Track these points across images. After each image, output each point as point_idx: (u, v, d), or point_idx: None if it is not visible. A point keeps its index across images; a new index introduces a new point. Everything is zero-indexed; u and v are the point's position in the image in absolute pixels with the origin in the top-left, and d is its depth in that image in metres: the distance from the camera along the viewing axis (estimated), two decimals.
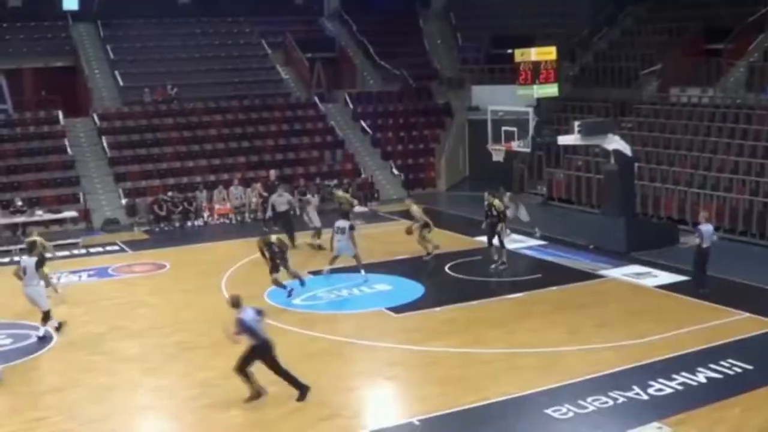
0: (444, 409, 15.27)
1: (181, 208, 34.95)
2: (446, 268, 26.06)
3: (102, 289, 25.23)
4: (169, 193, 35.38)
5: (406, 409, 15.77)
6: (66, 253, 30.12)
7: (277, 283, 22.96)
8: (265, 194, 33.77)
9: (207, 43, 46.35)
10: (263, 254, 23.10)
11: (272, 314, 21.39)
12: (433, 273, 25.70)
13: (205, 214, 35.44)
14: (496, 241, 25.81)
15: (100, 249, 30.83)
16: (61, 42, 44.38)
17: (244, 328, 15.40)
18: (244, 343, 15.68)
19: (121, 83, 42.57)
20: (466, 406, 15.38)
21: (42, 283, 20.74)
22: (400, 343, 19.28)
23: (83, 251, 30.61)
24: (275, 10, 48.53)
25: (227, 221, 35.22)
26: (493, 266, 25.62)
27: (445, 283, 24.81)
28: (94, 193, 36.38)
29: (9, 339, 20.21)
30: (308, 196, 31.84)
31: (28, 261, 20.59)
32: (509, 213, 26.80)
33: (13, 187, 35.56)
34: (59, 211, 33.76)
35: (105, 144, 38.86)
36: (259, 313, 15.84)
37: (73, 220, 33.89)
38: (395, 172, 41.26)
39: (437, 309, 21.89)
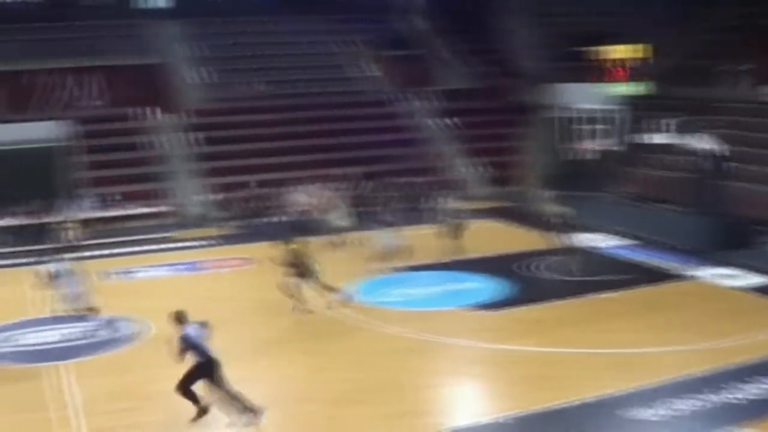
0: (523, 408, 15.25)
1: (269, 203, 35.35)
2: (529, 267, 25.98)
3: (191, 283, 25.80)
4: (258, 189, 35.80)
5: (485, 407, 15.82)
6: (157, 246, 30.82)
7: (326, 288, 22.16)
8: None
9: (295, 40, 46.86)
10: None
11: (352, 312, 21.69)
12: (516, 271, 25.60)
13: (292, 210, 35.78)
14: (563, 241, 25.63)
15: (189, 243, 31.43)
16: (153, 39, 45.32)
17: (188, 344, 14.59)
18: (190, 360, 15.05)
19: (211, 80, 43.34)
20: (545, 406, 15.36)
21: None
22: (481, 341, 19.31)
23: (174, 245, 31.23)
24: (361, 8, 48.84)
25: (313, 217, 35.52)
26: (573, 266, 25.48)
27: (527, 281, 24.72)
28: (184, 188, 37.09)
29: (104, 331, 20.77)
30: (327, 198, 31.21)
31: (68, 264, 21.27)
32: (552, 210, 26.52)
33: (107, 182, 36.45)
34: (151, 206, 34.38)
35: (196, 139, 39.57)
36: (203, 327, 15.06)
37: (164, 214, 34.49)
38: (480, 169, 41.23)
39: (519, 308, 21.87)
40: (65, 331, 20.79)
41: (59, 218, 31.19)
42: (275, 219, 35.17)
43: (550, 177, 39.32)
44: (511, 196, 38.14)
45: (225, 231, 33.58)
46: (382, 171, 38.68)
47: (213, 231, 33.36)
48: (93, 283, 22.24)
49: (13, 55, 42.03)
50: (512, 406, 15.38)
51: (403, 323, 20.87)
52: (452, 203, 32.54)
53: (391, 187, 36.87)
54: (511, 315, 21.44)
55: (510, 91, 45.89)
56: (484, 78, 46.12)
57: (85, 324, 20.83)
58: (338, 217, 30.35)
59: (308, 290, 21.84)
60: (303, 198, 31.86)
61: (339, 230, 29.95)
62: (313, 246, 28.72)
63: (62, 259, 22.08)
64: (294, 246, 22.32)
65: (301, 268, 21.78)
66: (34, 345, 20.22)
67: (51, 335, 20.69)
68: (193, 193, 37.16)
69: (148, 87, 42.96)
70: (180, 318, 14.74)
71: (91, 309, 21.10)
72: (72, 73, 42.79)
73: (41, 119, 39.00)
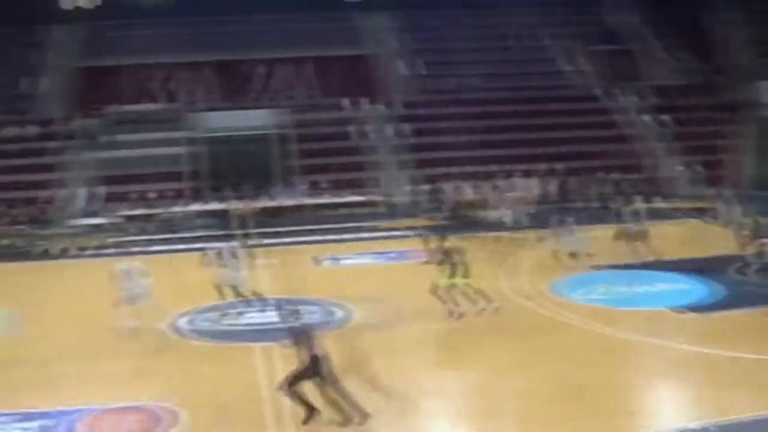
0: (733, 416, 14.53)
1: (472, 196, 35.23)
2: (735, 270, 24.82)
3: (396, 272, 26.01)
4: (462, 182, 35.76)
5: (692, 412, 15.26)
6: (364, 235, 31.29)
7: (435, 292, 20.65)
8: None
9: (505, 33, 46.83)
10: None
11: (555, 309, 21.39)
12: (719, 274, 24.30)
13: (497, 203, 35.60)
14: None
15: (396, 233, 31.78)
16: (365, 31, 46.11)
17: (299, 339, 14.23)
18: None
19: (421, 72, 43.74)
20: (753, 415, 14.52)
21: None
22: (686, 344, 18.60)
23: (380, 234, 31.67)
24: (563, 2, 48.25)
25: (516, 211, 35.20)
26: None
27: (732, 285, 23.36)
28: (392, 178, 37.62)
29: (317, 314, 21.26)
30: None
31: (235, 249, 21.87)
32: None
33: (317, 170, 37.36)
34: (359, 194, 34.98)
35: (404, 131, 40.02)
36: (311, 326, 14.94)
37: (372, 203, 35.03)
38: (689, 168, 39.90)
39: (724, 311, 20.90)
40: (273, 313, 21.30)
41: (243, 204, 32.16)
42: (481, 211, 35.02)
43: (761, 178, 37.85)
44: (718, 197, 36.72)
45: (431, 222, 33.68)
46: (587, 167, 38.18)
47: (420, 221, 33.55)
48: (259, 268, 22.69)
49: (231, 45, 43.62)
50: (721, 412, 14.68)
51: (607, 321, 20.36)
52: (650, 202, 31.71)
53: (593, 183, 36.28)
54: (715, 318, 20.55)
55: (723, 88, 44.25)
56: (697, 74, 44.63)
57: (293, 308, 21.38)
58: (515, 215, 30.06)
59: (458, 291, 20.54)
60: (486, 193, 31.63)
61: (514, 228, 29.78)
62: (487, 243, 28.84)
63: (232, 244, 22.71)
64: (447, 243, 21.44)
65: (452, 267, 20.37)
66: (243, 325, 20.81)
67: (259, 316, 21.21)
68: (400, 183, 37.63)
69: (359, 78, 43.89)
70: (292, 314, 14.57)
71: (256, 294, 21.57)
72: (286, 63, 44.11)
73: (257, 107, 40.40)
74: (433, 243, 21.82)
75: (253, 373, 17.01)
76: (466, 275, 20.36)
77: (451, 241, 21.75)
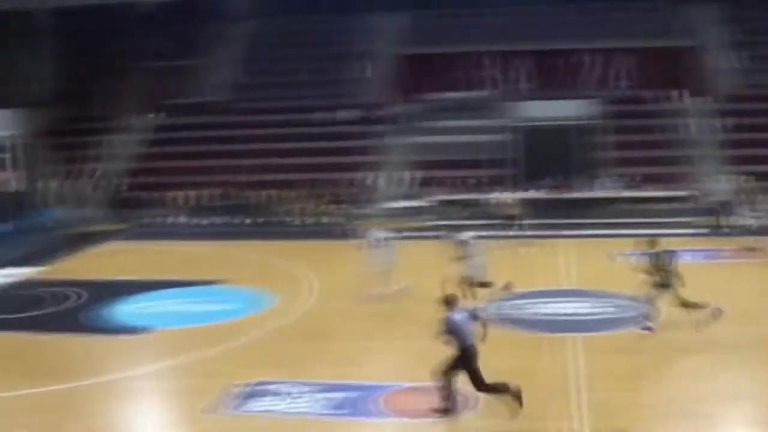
0: None
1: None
2: None
3: (708, 271, 25.14)
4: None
5: None
6: (676, 231, 30.53)
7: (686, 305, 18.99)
8: None
9: None
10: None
11: None
12: None
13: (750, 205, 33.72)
14: None
15: (708, 231, 30.85)
16: (685, 22, 44.82)
17: (448, 326, 14.06)
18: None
19: (742, 65, 42.06)
20: None
21: None
22: None
23: (692, 231, 30.91)
24: None
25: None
26: None
27: None
28: (708, 174, 36.37)
29: (612, 308, 21.24)
30: None
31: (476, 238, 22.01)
32: None
33: (629, 162, 36.82)
34: (671, 189, 34.22)
35: (724, 125, 38.62)
36: (474, 316, 14.44)
37: (686, 199, 34.13)
38: None
39: None
40: (580, 305, 21.51)
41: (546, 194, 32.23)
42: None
43: None
44: None
45: (746, 221, 32.28)
46: None
47: (739, 220, 32.28)
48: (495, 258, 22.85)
49: (550, 35, 43.70)
50: None
51: None
52: None
53: None
54: None
55: None
56: None
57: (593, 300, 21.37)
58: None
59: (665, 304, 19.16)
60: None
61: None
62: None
63: (474, 233, 22.66)
64: (658, 249, 19.22)
65: (660, 277, 18.80)
66: (548, 315, 20.99)
67: (567, 307, 21.44)
68: (716, 179, 36.31)
69: (677, 70, 42.64)
70: (449, 301, 14.52)
71: (486, 284, 21.44)
72: (601, 54, 43.69)
73: (573, 98, 40.31)
74: (647, 246, 19.44)
75: (556, 363, 17.04)
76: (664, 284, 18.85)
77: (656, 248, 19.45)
